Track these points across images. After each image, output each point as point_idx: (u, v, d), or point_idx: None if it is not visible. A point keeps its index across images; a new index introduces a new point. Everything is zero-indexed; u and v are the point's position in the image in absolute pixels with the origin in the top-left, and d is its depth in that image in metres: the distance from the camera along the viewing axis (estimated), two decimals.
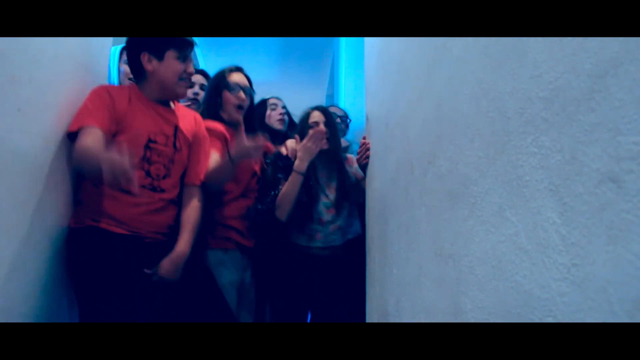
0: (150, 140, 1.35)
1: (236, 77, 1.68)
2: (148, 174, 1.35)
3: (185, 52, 1.39)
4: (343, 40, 3.31)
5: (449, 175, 0.77)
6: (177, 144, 1.42)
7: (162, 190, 1.37)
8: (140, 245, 1.31)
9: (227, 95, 1.65)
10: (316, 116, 1.79)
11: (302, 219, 1.71)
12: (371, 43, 1.69)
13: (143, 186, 1.32)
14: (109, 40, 1.59)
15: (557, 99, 0.47)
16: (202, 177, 1.49)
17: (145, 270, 1.32)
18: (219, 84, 1.67)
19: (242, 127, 1.50)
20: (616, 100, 0.38)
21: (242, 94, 1.65)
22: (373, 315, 1.42)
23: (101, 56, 1.53)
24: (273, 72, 4.78)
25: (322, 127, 1.74)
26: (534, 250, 0.50)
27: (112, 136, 1.29)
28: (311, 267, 1.71)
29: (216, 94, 1.66)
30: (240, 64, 1.76)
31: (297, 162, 1.65)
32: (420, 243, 0.92)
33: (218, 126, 1.62)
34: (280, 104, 2.13)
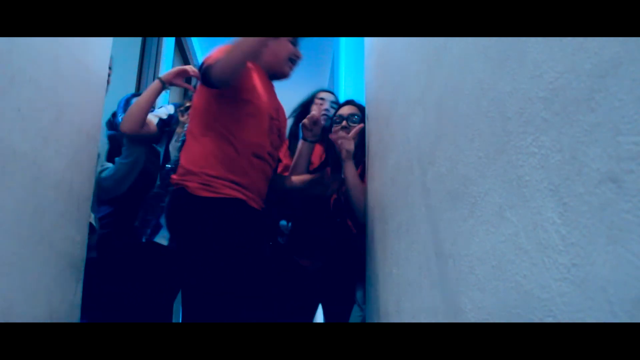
0: (272, 111, 1.39)
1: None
2: (271, 144, 1.37)
3: (296, 37, 1.50)
4: (343, 40, 3.30)
5: (449, 175, 0.77)
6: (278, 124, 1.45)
7: (277, 162, 1.43)
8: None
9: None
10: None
11: None
12: (371, 43, 1.69)
13: (270, 154, 1.35)
14: (109, 40, 1.59)
15: (557, 99, 0.47)
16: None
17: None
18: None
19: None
20: (616, 100, 0.38)
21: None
22: (373, 315, 1.42)
23: (101, 56, 1.53)
24: None
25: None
26: (534, 250, 0.50)
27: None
28: None
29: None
30: None
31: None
32: (420, 243, 0.92)
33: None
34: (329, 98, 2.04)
